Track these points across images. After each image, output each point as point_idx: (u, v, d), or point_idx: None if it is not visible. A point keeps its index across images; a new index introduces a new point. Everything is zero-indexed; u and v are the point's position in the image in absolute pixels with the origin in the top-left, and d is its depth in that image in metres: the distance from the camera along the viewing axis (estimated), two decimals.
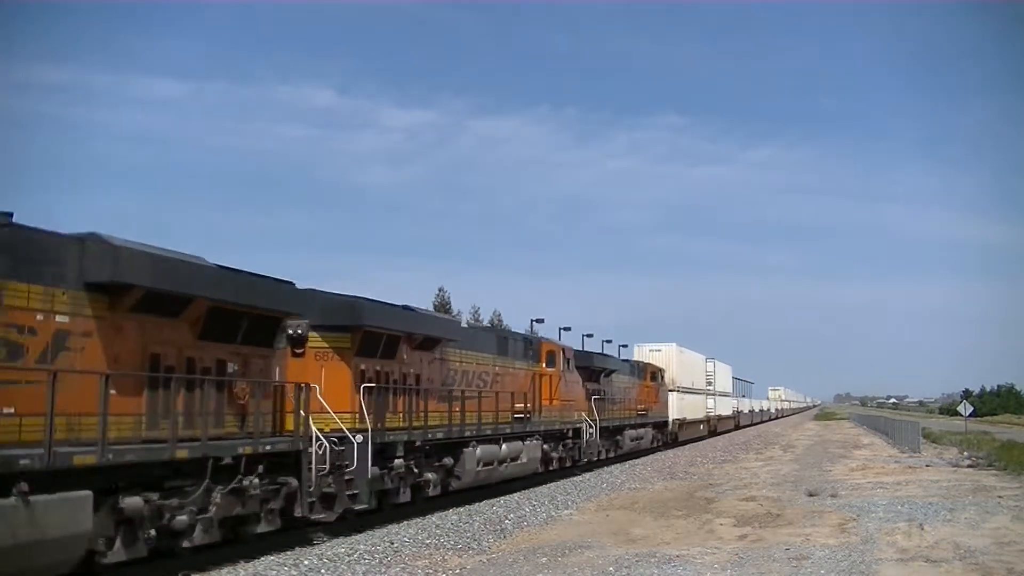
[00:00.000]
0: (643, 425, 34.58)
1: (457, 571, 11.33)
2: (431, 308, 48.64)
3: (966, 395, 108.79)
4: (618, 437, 30.91)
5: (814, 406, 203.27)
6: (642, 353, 40.54)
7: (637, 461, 31.89)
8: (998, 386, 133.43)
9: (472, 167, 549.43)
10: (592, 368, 28.08)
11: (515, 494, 20.04)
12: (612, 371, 30.50)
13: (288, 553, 12.23)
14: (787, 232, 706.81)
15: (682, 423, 41.79)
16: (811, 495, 18.86)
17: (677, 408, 40.90)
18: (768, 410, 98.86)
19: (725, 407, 58.11)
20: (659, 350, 41.65)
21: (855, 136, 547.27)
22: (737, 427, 64.40)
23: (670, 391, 40.33)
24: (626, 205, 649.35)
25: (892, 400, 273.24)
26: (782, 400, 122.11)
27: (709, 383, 51.54)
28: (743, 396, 76.76)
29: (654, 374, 37.47)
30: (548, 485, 22.34)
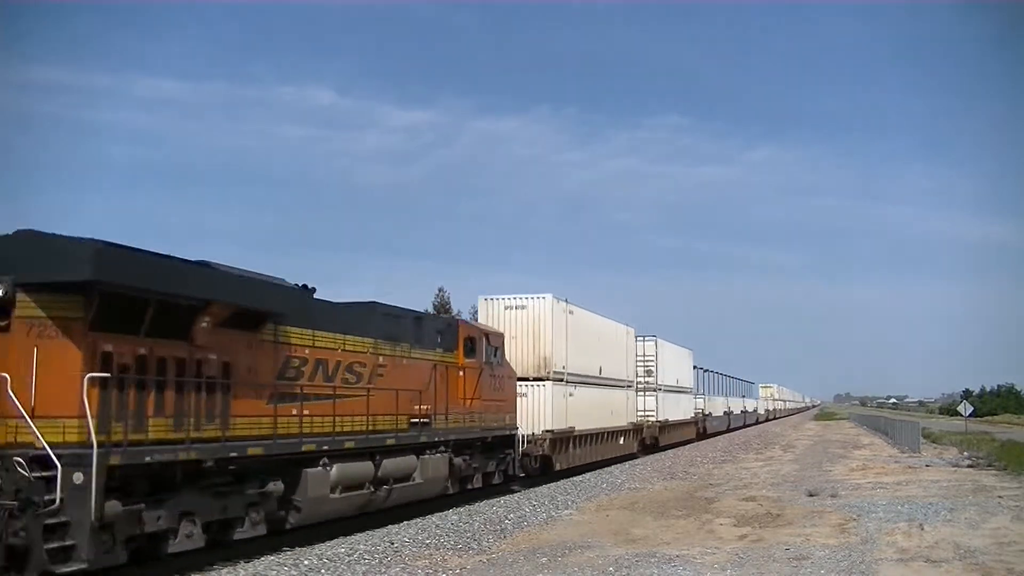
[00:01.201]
0: (425, 448, 16.67)
1: (457, 571, 11.34)
2: (431, 308, 48.07)
3: (966, 395, 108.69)
4: (270, 486, 12.47)
5: (813, 406, 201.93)
6: (492, 311, 24.12)
7: (638, 461, 30.54)
8: (998, 386, 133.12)
9: (473, 167, 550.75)
10: (137, 295, 10.25)
11: (515, 494, 20.02)
12: (271, 316, 12.55)
13: (288, 553, 12.25)
14: (788, 232, 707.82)
15: (567, 438, 24.96)
16: (811, 495, 18.86)
17: (553, 411, 23.65)
18: (755, 411, 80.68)
19: (679, 409, 41.67)
20: (522, 306, 24.12)
21: (855, 136, 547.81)
22: (701, 435, 47.71)
23: (538, 381, 23.59)
24: (627, 205, 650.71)
25: (892, 400, 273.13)
26: (775, 399, 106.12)
27: (648, 372, 35.92)
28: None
29: (472, 341, 19.07)
30: (548, 485, 22.25)
